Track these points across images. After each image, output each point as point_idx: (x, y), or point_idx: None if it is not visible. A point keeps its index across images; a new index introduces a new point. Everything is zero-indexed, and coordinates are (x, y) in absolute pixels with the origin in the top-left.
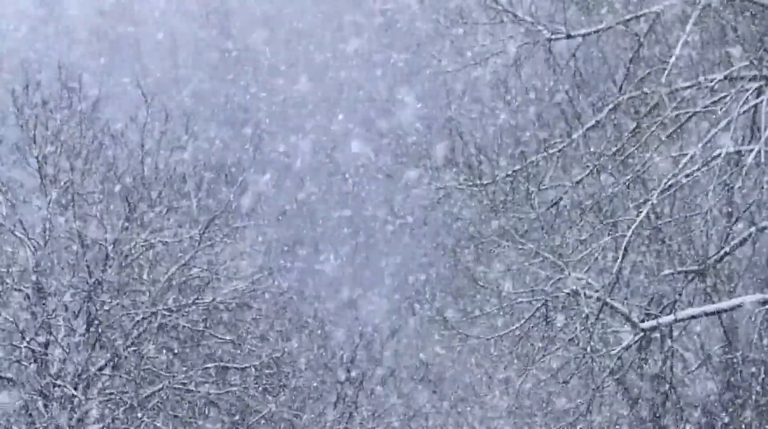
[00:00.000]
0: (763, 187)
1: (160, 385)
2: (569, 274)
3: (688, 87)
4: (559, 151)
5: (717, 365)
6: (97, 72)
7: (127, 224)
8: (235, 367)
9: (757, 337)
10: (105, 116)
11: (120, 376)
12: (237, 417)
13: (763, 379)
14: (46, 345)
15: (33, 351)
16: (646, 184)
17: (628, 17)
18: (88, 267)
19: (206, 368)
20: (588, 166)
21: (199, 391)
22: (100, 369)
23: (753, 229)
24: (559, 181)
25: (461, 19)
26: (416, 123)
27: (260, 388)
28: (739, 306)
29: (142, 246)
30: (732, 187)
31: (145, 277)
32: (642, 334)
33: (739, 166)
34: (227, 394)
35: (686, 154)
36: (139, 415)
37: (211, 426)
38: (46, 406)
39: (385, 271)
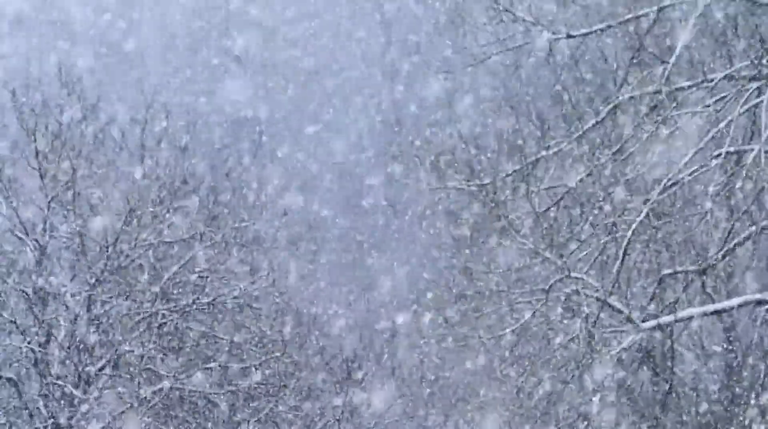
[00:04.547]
0: (763, 187)
1: (160, 385)
2: (569, 274)
3: (689, 87)
4: (559, 151)
5: (717, 365)
6: (97, 72)
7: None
8: (235, 367)
9: (757, 337)
10: (105, 116)
11: (120, 376)
12: (237, 417)
13: (763, 379)
14: (46, 345)
15: (33, 351)
16: (646, 184)
17: (628, 17)
18: (88, 267)
19: (206, 368)
20: (588, 166)
21: (199, 391)
22: (101, 369)
23: (753, 229)
24: (559, 181)
25: (461, 20)
26: (416, 123)
27: (260, 388)
28: (739, 306)
29: (142, 246)
30: (732, 187)
31: (145, 276)
32: (642, 334)
33: (739, 166)
34: (227, 394)
35: (686, 154)
36: (139, 415)
37: (212, 426)
38: (46, 406)
39: (385, 270)
